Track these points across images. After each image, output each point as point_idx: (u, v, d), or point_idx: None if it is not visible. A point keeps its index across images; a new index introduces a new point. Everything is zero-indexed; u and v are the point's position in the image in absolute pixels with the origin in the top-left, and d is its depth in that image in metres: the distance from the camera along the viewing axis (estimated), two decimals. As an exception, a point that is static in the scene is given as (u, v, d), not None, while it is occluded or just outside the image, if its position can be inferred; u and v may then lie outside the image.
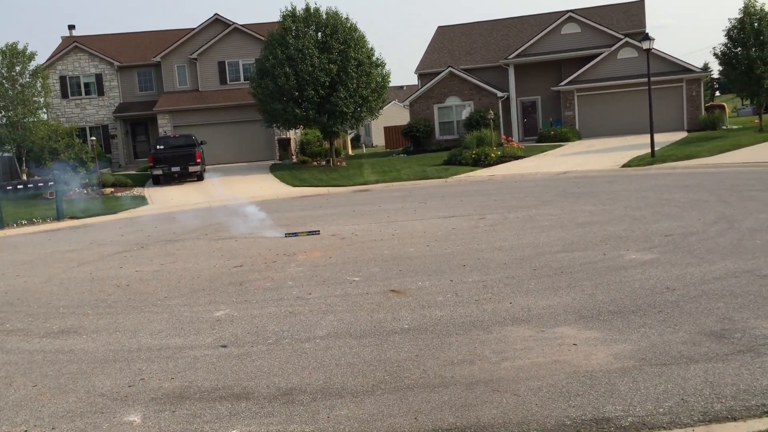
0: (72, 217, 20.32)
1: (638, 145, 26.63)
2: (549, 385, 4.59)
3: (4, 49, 30.89)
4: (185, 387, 5.13)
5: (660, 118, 30.41)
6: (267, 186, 25.89)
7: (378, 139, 59.88)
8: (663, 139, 27.61)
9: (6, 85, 31.03)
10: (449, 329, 6.03)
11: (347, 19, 30.21)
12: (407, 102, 38.16)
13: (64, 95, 39.51)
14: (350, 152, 45.08)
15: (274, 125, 31.55)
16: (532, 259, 8.64)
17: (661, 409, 4.11)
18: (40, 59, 35.53)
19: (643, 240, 9.31)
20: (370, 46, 30.55)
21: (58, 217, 19.98)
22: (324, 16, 29.96)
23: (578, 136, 33.77)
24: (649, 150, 23.09)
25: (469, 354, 5.35)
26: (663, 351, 5.05)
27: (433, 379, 4.88)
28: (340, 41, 29.24)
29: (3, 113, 31.20)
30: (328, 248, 10.90)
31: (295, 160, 35.20)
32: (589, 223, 11.18)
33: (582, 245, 9.31)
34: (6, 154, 34.12)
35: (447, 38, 41.98)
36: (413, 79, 51.47)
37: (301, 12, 30.05)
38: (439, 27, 43.47)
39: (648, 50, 23.45)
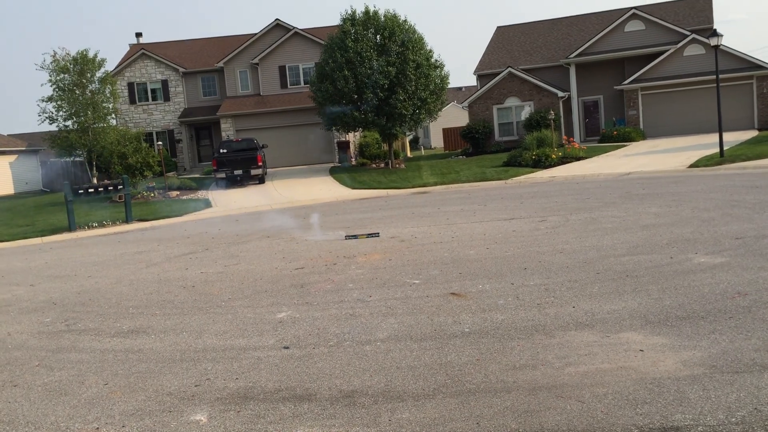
0: (140, 220, 20.95)
1: (706, 144, 25.83)
2: (615, 392, 4.49)
3: (75, 56, 32.13)
4: (249, 387, 5.22)
5: (729, 117, 29.46)
6: (327, 188, 26.14)
7: (436, 141, 59.78)
8: (732, 138, 26.71)
9: (77, 92, 32.26)
10: (511, 333, 5.97)
11: (405, 21, 30.26)
12: (466, 103, 37.96)
13: (132, 101, 40.79)
14: (409, 154, 45.11)
15: (334, 128, 31.84)
16: (596, 263, 8.48)
17: (733, 419, 3.98)
18: (109, 66, 36.74)
19: (712, 243, 9.02)
20: (428, 47, 30.52)
21: (127, 220, 20.63)
22: (383, 19, 30.06)
23: (642, 136, 32.97)
24: (717, 149, 22.36)
25: (531, 359, 5.28)
26: (735, 358, 4.88)
27: (494, 384, 4.84)
28: (398, 43, 29.30)
29: (74, 119, 32.46)
30: (388, 250, 10.93)
31: (354, 162, 35.44)
32: (654, 225, 10.89)
33: (647, 248, 9.08)
34: (77, 159, 35.48)
35: (506, 38, 41.59)
36: (472, 80, 51.14)
37: (361, 15, 30.23)
38: (498, 27, 43.14)
39: (716, 47, 22.70)
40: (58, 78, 32.06)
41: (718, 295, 6.50)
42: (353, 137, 37.66)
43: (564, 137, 32.46)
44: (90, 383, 5.69)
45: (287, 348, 6.15)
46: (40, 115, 32.68)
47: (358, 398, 4.81)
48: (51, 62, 31.97)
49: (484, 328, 6.20)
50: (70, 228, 19.70)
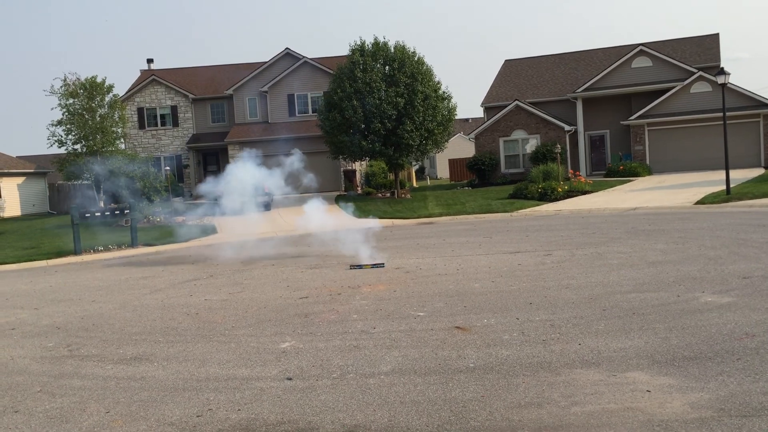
0: (146, 245, 20.96)
1: (712, 181, 25.83)
2: (621, 434, 4.43)
3: (84, 82, 32.50)
4: (251, 419, 5.18)
5: (735, 154, 29.49)
6: (332, 217, 26.11)
7: (442, 172, 59.91)
8: (738, 175, 26.70)
9: (86, 116, 32.55)
10: (516, 370, 5.92)
11: (414, 53, 30.53)
12: (473, 135, 38.12)
13: (141, 126, 41.12)
14: (414, 184, 45.20)
15: (341, 157, 31.96)
16: (602, 299, 8.43)
17: (741, 465, 3.92)
18: (120, 91, 37.10)
19: (719, 282, 8.97)
20: (436, 79, 30.76)
21: (132, 244, 20.64)
22: (392, 50, 30.34)
23: (648, 172, 33.00)
24: (723, 187, 22.36)
25: (536, 397, 5.23)
26: (743, 401, 4.83)
27: (499, 422, 4.79)
28: (407, 75, 29.53)
29: (83, 142, 32.70)
30: (393, 281, 10.90)
31: (359, 191, 35.52)
32: (661, 262, 10.85)
33: (654, 285, 9.04)
34: (84, 182, 35.63)
35: (514, 71, 41.90)
36: (479, 112, 51.45)
37: (370, 46, 30.52)
38: (506, 60, 43.46)
39: (723, 85, 22.82)
40: (68, 102, 32.40)
41: (726, 336, 6.44)
42: (360, 166, 37.80)
43: (570, 171, 32.53)
44: (91, 411, 5.65)
45: (290, 379, 6.11)
46: (49, 139, 33.00)
47: (361, 433, 4.76)
48: (61, 86, 32.33)
49: (488, 363, 6.15)
50: (75, 251, 19.71)
